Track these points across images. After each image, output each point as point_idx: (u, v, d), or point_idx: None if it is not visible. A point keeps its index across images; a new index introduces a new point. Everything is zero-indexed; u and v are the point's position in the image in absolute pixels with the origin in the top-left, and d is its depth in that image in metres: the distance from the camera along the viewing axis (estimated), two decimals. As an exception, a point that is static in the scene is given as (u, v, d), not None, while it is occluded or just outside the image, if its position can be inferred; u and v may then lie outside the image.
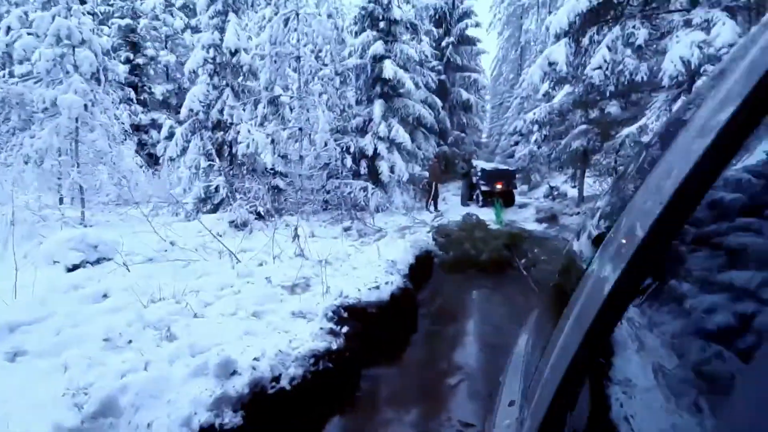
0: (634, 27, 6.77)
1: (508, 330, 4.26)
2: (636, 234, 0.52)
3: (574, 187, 11.21)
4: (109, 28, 15.22)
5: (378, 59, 11.09)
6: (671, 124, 0.94)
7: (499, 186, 11.37)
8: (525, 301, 5.10)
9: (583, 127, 9.30)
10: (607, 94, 8.04)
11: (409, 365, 3.53)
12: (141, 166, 9.83)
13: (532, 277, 5.79)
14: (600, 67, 7.04)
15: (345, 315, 3.23)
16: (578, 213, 9.51)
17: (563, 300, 1.01)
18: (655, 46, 7.03)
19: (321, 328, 2.90)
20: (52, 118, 6.96)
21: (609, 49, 6.91)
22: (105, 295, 3.50)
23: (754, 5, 7.86)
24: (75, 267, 4.22)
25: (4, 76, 11.99)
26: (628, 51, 6.86)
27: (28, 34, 7.74)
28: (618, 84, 7.43)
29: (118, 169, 7.71)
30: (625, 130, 7.58)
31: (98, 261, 4.45)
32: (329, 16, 10.32)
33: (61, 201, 7.47)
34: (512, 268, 6.39)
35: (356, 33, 12.22)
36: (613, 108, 8.48)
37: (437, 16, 17.46)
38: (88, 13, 8.24)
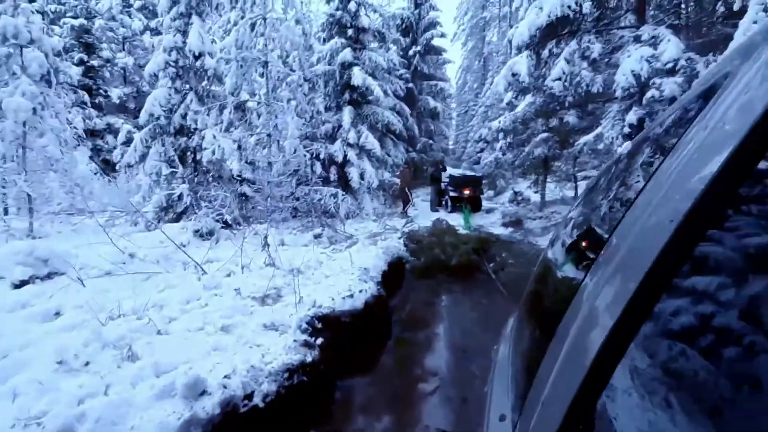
0: (589, 41, 7.19)
1: (478, 334, 4.36)
2: (648, 248, 0.51)
3: (537, 192, 11.68)
4: (61, 27, 14.35)
5: (347, 66, 11.11)
6: (643, 141, 1.00)
7: (467, 192, 11.65)
8: (493, 304, 5.24)
9: (544, 135, 9.73)
10: (566, 104, 8.47)
11: (384, 373, 3.52)
12: (96, 173, 9.28)
13: (500, 280, 5.96)
14: (559, 79, 7.42)
15: (319, 326, 3.18)
16: (541, 217, 9.90)
17: (545, 309, 1.04)
18: (608, 59, 7.49)
19: (295, 341, 2.84)
20: (-4, 122, 6.44)
21: (567, 61, 7.30)
22: (57, 313, 3.26)
23: (692, 24, 8.58)
24: (23, 283, 3.90)
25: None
26: (585, 64, 7.28)
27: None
28: (575, 94, 7.85)
29: (70, 176, 7.23)
30: (583, 139, 8.00)
31: (49, 276, 4.14)
32: (297, 21, 10.24)
33: (6, 212, 6.90)
34: (481, 272, 6.55)
35: (324, 40, 12.21)
36: (571, 117, 8.93)
37: (404, 26, 17.79)
38: (38, 11, 7.71)
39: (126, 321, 3.08)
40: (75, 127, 8.31)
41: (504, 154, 11.46)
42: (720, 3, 6.32)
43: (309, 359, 2.70)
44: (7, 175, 6.52)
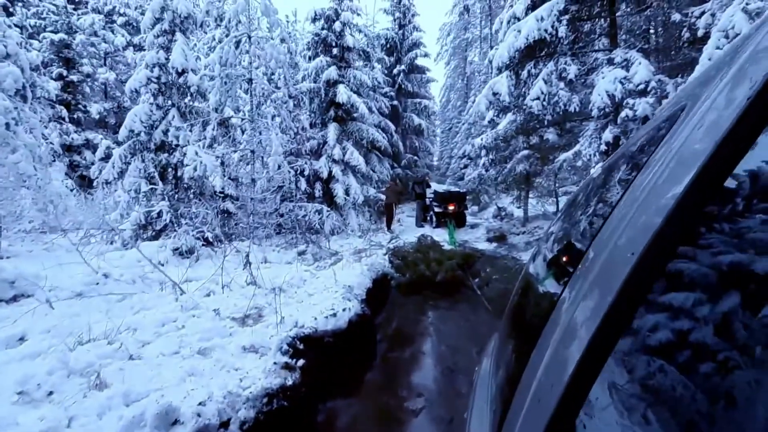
0: (565, 63, 7.46)
1: (464, 350, 4.32)
2: (623, 261, 0.52)
3: (520, 207, 11.88)
4: (41, 42, 14.11)
5: (332, 84, 11.23)
6: (619, 158, 1.02)
7: (451, 207, 11.75)
8: (478, 319, 5.22)
9: (525, 152, 9.96)
10: (545, 122, 8.72)
11: (369, 393, 3.43)
12: (72, 190, 9.00)
13: (485, 295, 5.96)
14: (538, 98, 7.64)
15: (301, 347, 3.08)
16: (524, 232, 10.04)
17: (526, 325, 1.03)
18: (584, 80, 7.78)
19: (275, 363, 2.74)
20: (-36, 137, 6.20)
21: (545, 81, 7.54)
22: (22, 339, 3.08)
23: (661, 48, 9.03)
24: (-15, 307, 3.69)
25: None
26: (562, 84, 7.54)
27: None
28: (554, 113, 8.09)
29: (43, 193, 6.97)
30: (562, 156, 8.22)
31: (14, 298, 3.93)
32: (282, 40, 10.34)
33: (-29, 230, 6.58)
34: (466, 288, 6.54)
35: (310, 58, 12.34)
36: (550, 135, 9.18)
37: (389, 46, 18.18)
38: (15, 25, 7.58)
39: (96, 346, 2.93)
40: (51, 143, 8.09)
41: (487, 171, 11.66)
42: (685, 29, 6.67)
43: (290, 382, 2.61)
44: (-25, 193, 6.25)
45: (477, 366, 1.42)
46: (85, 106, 14.73)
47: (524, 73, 8.22)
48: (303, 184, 10.28)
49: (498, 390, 0.98)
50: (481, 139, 10.47)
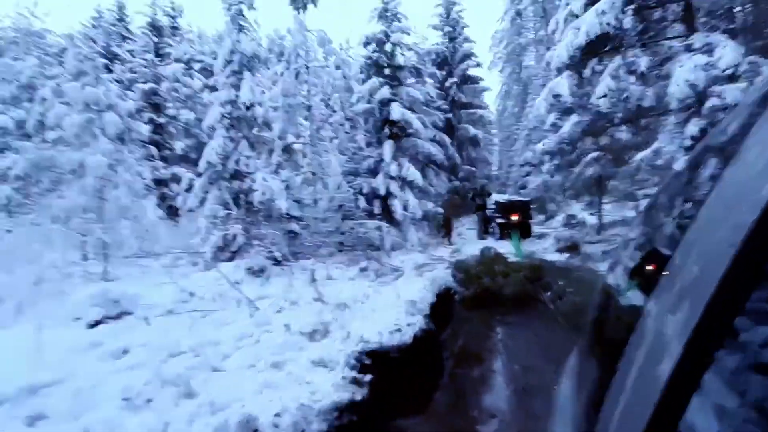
0: (634, 55, 6.91)
1: (538, 369, 4.02)
2: (715, 265, 0.47)
3: (593, 214, 11.00)
4: (134, 92, 16.35)
5: (385, 103, 11.51)
6: (703, 152, 0.92)
7: (515, 217, 11.24)
8: (552, 336, 4.85)
9: (595, 154, 9.27)
10: (615, 120, 8.07)
11: (438, 413, 3.32)
12: (162, 219, 10.12)
13: (558, 310, 5.55)
14: (605, 96, 7.14)
15: (367, 362, 3.10)
16: (600, 240, 9.25)
17: (608, 341, 0.95)
18: (657, 71, 7.12)
19: (343, 378, 2.78)
20: (80, 178, 7.31)
21: (612, 77, 7.03)
22: (125, 351, 3.47)
23: (751, 28, 7.99)
24: (96, 323, 4.23)
25: (37, 143, 12.86)
26: (632, 78, 6.96)
27: (61, 103, 8.33)
28: (625, 110, 7.48)
29: (140, 222, 7.94)
30: (639, 155, 7.52)
31: (119, 315, 4.46)
32: (337, 67, 10.90)
33: (85, 257, 7.66)
34: (537, 302, 6.16)
35: (363, 80, 12.80)
36: (623, 134, 8.47)
37: (439, 60, 18.27)
38: (115, 80, 8.89)
39: (185, 358, 3.21)
40: (144, 179, 9.22)
41: (552, 177, 11.03)
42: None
43: (358, 397, 2.62)
44: (87, 224, 7.30)
45: (555, 386, 1.32)
46: (170, 145, 16.67)
47: (587, 71, 7.75)
48: (362, 202, 10.54)
49: (582, 413, 0.92)
50: (543, 144, 9.99)
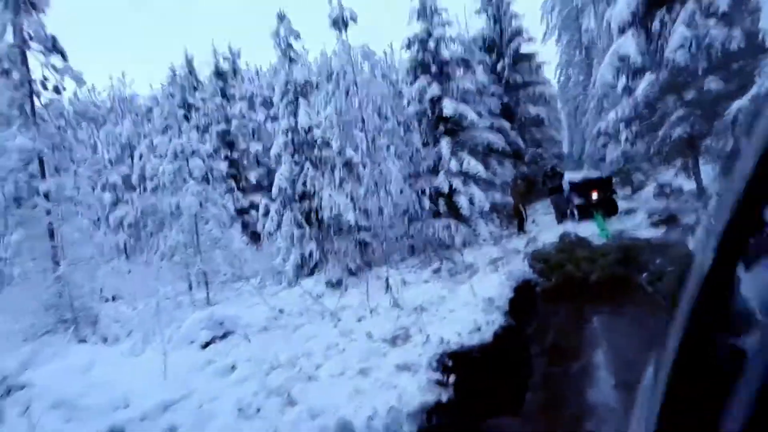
0: (712, -5, 6.02)
1: (644, 361, 3.66)
2: None
3: (689, 178, 9.69)
4: (209, 135, 18.31)
5: (436, 100, 11.41)
6: None
7: (594, 195, 10.33)
8: (657, 323, 4.38)
9: (681, 112, 8.18)
10: (700, 71, 7.06)
11: (532, 413, 3.20)
12: (247, 244, 11.16)
13: (659, 292, 4.99)
14: (682, 46, 6.30)
15: (449, 363, 3.12)
16: (702, 207, 8.11)
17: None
18: (743, 7, 6.11)
19: (428, 380, 2.83)
20: (177, 218, 8.41)
21: (687, 25, 6.19)
22: (233, 367, 3.91)
23: None
24: (207, 344, 4.81)
25: (140, 192, 15.07)
26: (711, 21, 6.06)
27: (154, 156, 9.67)
28: (709, 58, 6.52)
29: (230, 250, 8.86)
30: (735, 105, 6.48)
31: (224, 335, 5.02)
32: (383, 76, 11.10)
33: (190, 287, 8.75)
34: (632, 286, 5.61)
35: (411, 82, 12.83)
36: (712, 84, 7.37)
37: (487, 44, 17.61)
38: (195, 127, 10.08)
39: (283, 370, 3.53)
40: (228, 210, 10.27)
41: (633, 145, 9.93)
42: None
43: (444, 398, 2.65)
44: (188, 258, 8.34)
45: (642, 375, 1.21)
46: (246, 176, 18.33)
47: (655, 25, 6.91)
48: (426, 203, 10.53)
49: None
50: (616, 113, 9.07)
